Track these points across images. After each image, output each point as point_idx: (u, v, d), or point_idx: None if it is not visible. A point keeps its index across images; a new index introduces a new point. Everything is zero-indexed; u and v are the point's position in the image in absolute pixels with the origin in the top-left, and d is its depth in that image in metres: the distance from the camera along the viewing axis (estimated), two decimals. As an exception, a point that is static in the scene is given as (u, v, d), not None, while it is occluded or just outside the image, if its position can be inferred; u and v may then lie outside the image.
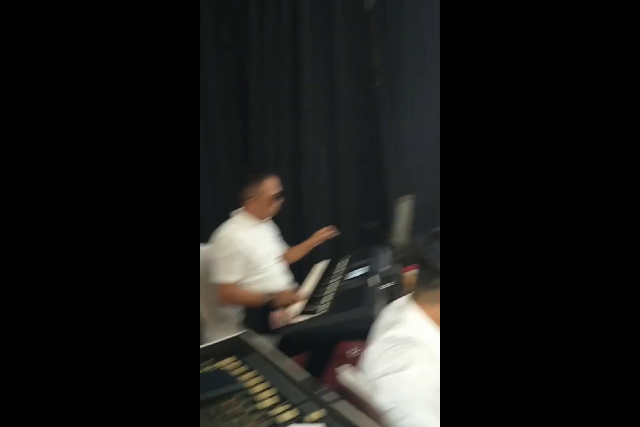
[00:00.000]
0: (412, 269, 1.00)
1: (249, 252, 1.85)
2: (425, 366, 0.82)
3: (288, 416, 0.77)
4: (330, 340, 1.51)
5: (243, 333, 1.10)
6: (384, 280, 1.81)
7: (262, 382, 0.87)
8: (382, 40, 2.58)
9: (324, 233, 2.18)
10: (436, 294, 0.87)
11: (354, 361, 1.06)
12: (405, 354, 0.85)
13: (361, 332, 1.12)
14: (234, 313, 1.94)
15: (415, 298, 0.94)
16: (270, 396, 0.82)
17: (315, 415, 0.77)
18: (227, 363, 0.95)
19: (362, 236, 2.60)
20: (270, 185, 1.92)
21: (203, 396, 0.79)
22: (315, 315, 1.64)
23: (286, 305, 1.75)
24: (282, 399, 0.82)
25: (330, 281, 1.97)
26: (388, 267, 1.96)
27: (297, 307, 1.76)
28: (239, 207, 1.97)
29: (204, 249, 1.88)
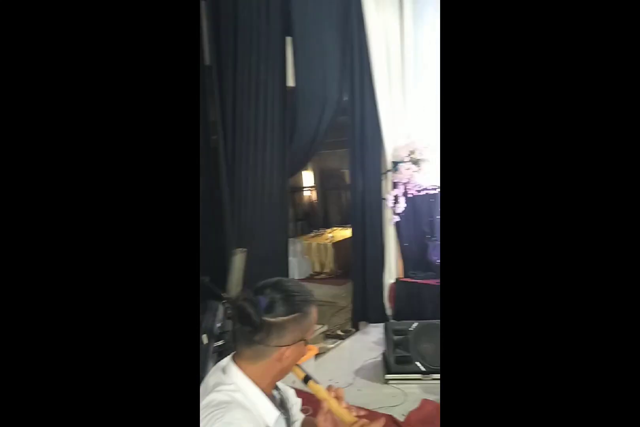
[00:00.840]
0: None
1: None
2: None
3: None
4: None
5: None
6: (215, 338, 1.70)
7: None
8: (218, 95, 2.63)
9: None
10: (257, 351, 0.84)
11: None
12: (225, 417, 0.76)
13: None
14: None
15: (237, 357, 0.88)
16: None
17: None
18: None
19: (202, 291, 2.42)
20: None
21: None
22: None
23: None
24: None
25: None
26: (219, 324, 1.86)
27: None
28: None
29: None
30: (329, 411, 0.86)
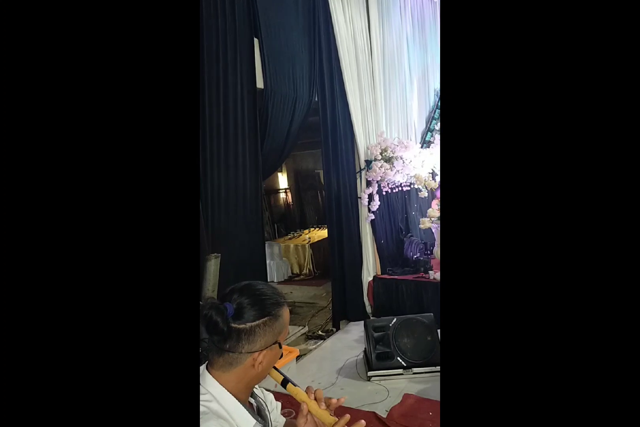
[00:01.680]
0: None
1: None
2: None
3: None
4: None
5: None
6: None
7: None
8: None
9: None
10: (229, 359, 0.82)
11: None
12: None
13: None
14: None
15: (210, 366, 0.85)
16: None
17: None
18: None
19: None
20: None
21: None
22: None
23: None
24: None
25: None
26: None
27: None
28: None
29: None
30: (309, 413, 0.85)
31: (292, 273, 5.92)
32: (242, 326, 0.81)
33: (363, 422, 0.81)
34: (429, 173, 4.06)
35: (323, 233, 6.15)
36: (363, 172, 3.83)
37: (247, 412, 0.84)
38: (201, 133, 2.55)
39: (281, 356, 0.90)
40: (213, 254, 2.31)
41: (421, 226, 3.68)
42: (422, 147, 4.34)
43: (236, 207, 2.80)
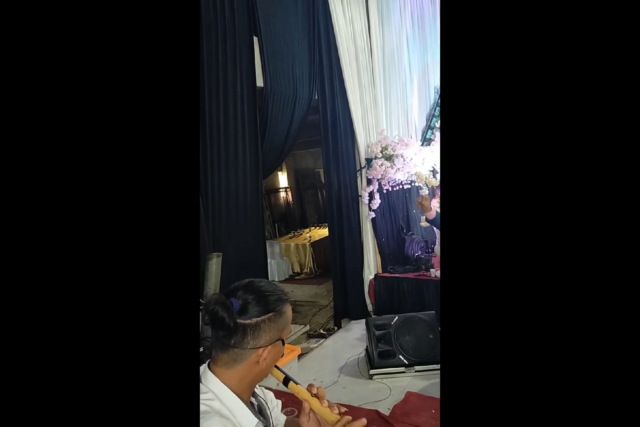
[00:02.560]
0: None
1: None
2: None
3: None
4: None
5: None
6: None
7: None
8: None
9: None
10: (234, 355, 0.82)
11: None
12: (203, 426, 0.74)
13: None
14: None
15: (213, 363, 0.85)
16: None
17: None
18: None
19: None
20: None
21: None
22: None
23: None
24: None
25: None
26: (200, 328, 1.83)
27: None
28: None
29: None
30: (311, 411, 0.85)
31: (293, 272, 5.92)
32: (247, 321, 0.81)
33: (364, 420, 0.81)
34: (430, 171, 4.05)
35: (324, 232, 6.14)
36: (363, 171, 3.82)
37: (249, 411, 0.84)
38: (201, 132, 2.55)
39: (282, 355, 0.90)
40: (215, 253, 2.30)
41: (422, 224, 3.67)
42: (422, 144, 4.33)
43: (237, 206, 2.79)
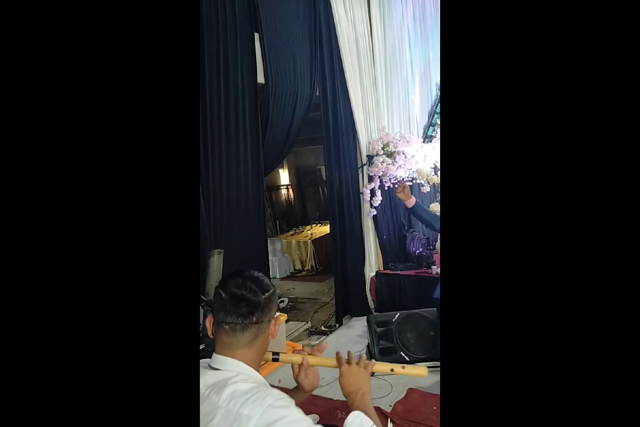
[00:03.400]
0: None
1: None
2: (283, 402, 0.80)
3: None
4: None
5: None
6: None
7: None
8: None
9: None
10: (254, 331, 0.90)
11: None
12: (267, 398, 0.78)
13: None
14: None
15: (235, 348, 0.89)
16: None
17: None
18: None
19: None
20: None
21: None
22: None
23: None
24: None
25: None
26: (200, 325, 1.84)
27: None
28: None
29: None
30: (309, 367, 1.01)
31: (295, 269, 5.92)
32: (264, 295, 0.92)
33: (325, 344, 1.13)
34: (432, 168, 4.04)
35: (325, 229, 6.14)
36: (365, 168, 3.81)
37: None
38: (202, 129, 2.54)
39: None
40: (216, 250, 2.30)
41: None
42: (424, 141, 4.31)
43: (238, 203, 2.79)
